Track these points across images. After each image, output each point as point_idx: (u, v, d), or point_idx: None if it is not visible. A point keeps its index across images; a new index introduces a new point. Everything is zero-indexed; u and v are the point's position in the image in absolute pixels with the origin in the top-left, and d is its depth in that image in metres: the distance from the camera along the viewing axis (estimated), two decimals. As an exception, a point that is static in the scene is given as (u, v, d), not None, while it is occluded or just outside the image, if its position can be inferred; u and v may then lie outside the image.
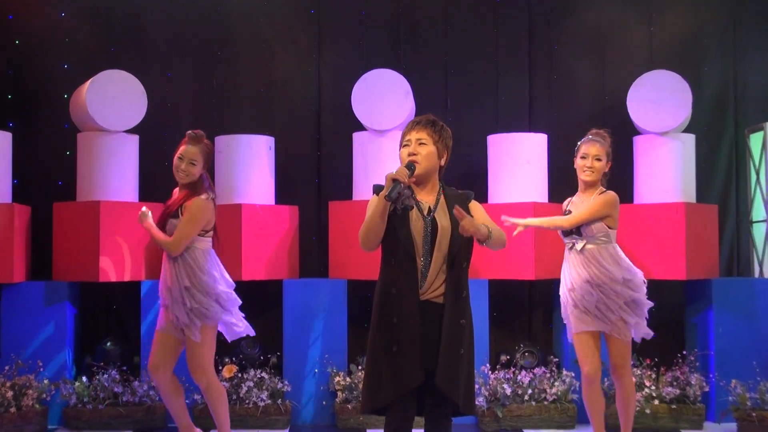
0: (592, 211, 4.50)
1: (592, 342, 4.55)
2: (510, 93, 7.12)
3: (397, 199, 3.25)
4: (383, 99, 6.52)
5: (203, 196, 4.78)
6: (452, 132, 7.59)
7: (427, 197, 3.49)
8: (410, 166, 3.36)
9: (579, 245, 4.55)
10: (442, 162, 3.50)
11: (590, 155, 4.62)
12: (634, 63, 6.95)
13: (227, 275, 5.02)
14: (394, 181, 3.29)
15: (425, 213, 3.41)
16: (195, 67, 7.18)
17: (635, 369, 6.18)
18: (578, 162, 4.65)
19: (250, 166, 6.56)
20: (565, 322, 4.80)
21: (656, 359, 6.30)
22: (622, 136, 6.78)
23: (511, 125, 6.98)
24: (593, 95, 7.02)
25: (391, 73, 6.59)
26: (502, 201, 6.41)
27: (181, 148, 4.70)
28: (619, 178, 6.80)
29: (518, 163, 6.39)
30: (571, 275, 4.58)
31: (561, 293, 4.70)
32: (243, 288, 6.87)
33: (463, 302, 3.42)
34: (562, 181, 6.29)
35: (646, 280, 4.63)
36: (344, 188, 6.92)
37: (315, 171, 7.20)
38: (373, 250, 3.42)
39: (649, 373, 6.19)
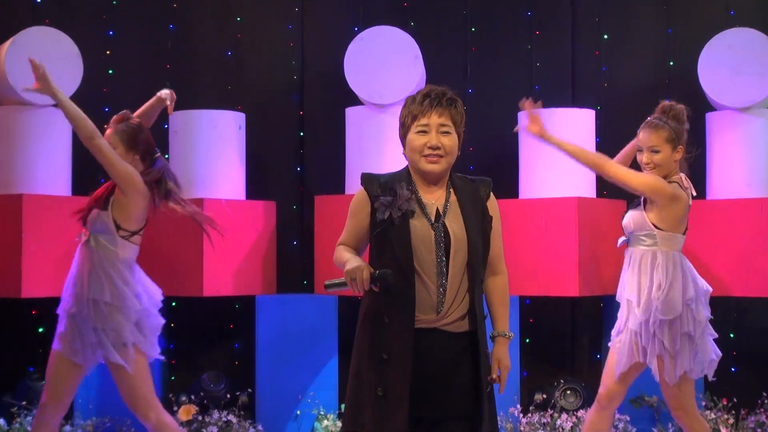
0: (635, 178, 4.59)
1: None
2: (548, 57, 7.14)
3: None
4: (385, 65, 6.54)
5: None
6: (474, 108, 7.58)
7: (433, 195, 3.46)
8: (385, 277, 3.26)
9: (620, 240, 4.69)
10: (459, 149, 3.48)
11: (645, 148, 4.67)
12: (707, 18, 6.97)
13: (152, 286, 5.05)
14: (345, 284, 3.26)
15: (432, 218, 3.39)
16: (144, 24, 7.21)
17: (708, 412, 6.21)
18: (638, 156, 4.73)
19: (215, 150, 6.61)
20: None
21: (735, 399, 6.32)
22: (692, 112, 6.83)
23: (549, 99, 6.93)
24: (654, 61, 7.05)
25: (395, 31, 6.61)
26: (536, 196, 6.45)
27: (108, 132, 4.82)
28: (689, 164, 6.85)
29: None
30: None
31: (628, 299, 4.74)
32: (204, 306, 6.98)
33: (484, 327, 3.45)
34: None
35: (705, 299, 4.72)
36: (334, 179, 6.95)
37: (297, 157, 7.23)
38: None
39: (725, 417, 6.21)
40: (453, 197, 3.45)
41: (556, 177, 6.41)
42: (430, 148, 3.39)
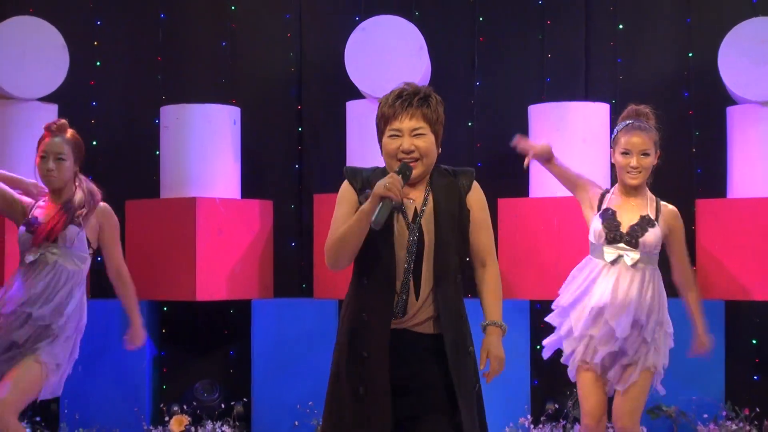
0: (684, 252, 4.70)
1: (600, 381, 4.65)
2: (560, 48, 7.11)
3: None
4: (388, 56, 6.53)
5: (101, 204, 4.84)
6: (482, 101, 7.56)
7: (414, 193, 3.49)
8: (404, 170, 3.36)
9: (630, 259, 4.58)
10: (439, 148, 3.50)
11: (634, 150, 4.59)
12: (728, 8, 6.92)
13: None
14: (384, 199, 3.29)
15: (410, 218, 3.43)
16: (133, 13, 7.19)
17: (729, 423, 6.20)
18: (619, 159, 4.64)
19: (208, 146, 6.62)
20: (560, 345, 4.84)
21: (758, 409, 6.31)
22: (712, 106, 6.79)
23: (561, 92, 6.98)
24: (672, 52, 7.01)
25: (399, 20, 6.60)
26: (548, 194, 6.43)
27: (42, 145, 4.77)
28: (709, 161, 6.85)
29: (570, 142, 6.37)
30: (614, 290, 4.60)
31: (569, 306, 4.73)
32: (197, 311, 6.98)
33: (465, 325, 3.49)
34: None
35: None
36: (334, 177, 6.81)
37: (295, 154, 7.22)
38: (341, 269, 3.47)
39: (748, 428, 6.21)
40: (431, 196, 3.49)
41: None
42: (404, 152, 3.43)
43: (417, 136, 3.43)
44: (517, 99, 6.94)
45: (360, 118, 6.59)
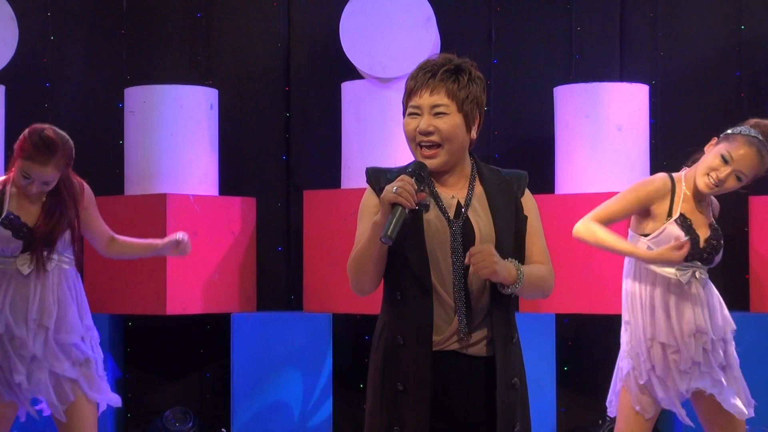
0: None
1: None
2: (591, 20, 7.10)
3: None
4: (389, 30, 6.51)
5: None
6: (501, 83, 7.53)
7: (453, 188, 3.42)
8: (417, 170, 3.27)
9: (702, 279, 4.58)
10: (474, 133, 3.41)
11: (735, 165, 4.47)
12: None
13: None
14: (395, 206, 3.19)
15: (451, 214, 3.37)
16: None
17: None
18: (714, 158, 4.53)
19: (181, 134, 6.62)
20: (625, 385, 4.81)
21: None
22: (766, 83, 6.81)
23: (591, 71, 6.96)
24: (722, 25, 6.99)
25: (403, -12, 6.62)
26: (577, 190, 6.44)
27: (25, 166, 4.73)
28: None
29: (603, 129, 6.41)
30: (680, 321, 4.58)
31: (635, 343, 4.70)
32: (168, 327, 6.96)
33: (515, 351, 3.42)
34: (671, 156, 6.25)
35: None
36: (327, 170, 6.93)
37: (282, 143, 7.21)
38: (369, 293, 3.40)
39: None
40: (479, 189, 3.41)
41: (600, 167, 6.40)
42: (421, 134, 3.35)
43: (438, 115, 3.34)
44: (541, 79, 6.93)
45: (357, 101, 6.58)
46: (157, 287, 6.37)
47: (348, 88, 6.69)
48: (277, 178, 7.19)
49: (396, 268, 3.30)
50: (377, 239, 3.21)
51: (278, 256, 7.10)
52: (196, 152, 6.66)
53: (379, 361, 3.39)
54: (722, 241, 4.61)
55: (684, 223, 4.55)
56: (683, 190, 4.60)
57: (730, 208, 6.32)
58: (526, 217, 3.43)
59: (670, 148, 6.59)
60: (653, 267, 4.60)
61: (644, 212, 4.64)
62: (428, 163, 3.35)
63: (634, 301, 4.68)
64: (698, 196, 4.59)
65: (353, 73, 6.68)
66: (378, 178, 3.41)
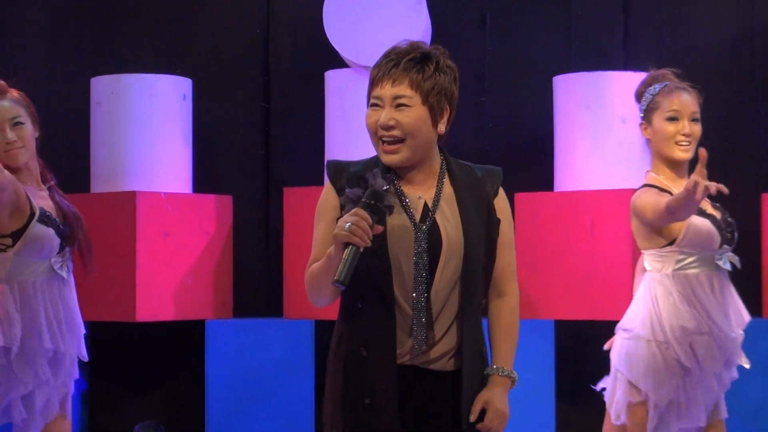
0: None
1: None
2: (592, 4, 7.11)
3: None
4: (376, 14, 6.50)
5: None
6: (495, 72, 7.50)
7: (420, 186, 3.40)
8: (373, 202, 3.16)
9: (727, 260, 4.62)
10: (442, 127, 3.39)
11: (685, 113, 4.64)
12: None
13: None
14: (348, 246, 3.11)
15: (417, 217, 3.35)
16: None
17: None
18: (662, 127, 4.61)
19: (151, 127, 6.61)
20: (630, 377, 4.80)
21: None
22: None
23: (594, 59, 6.96)
24: (732, 9, 6.99)
25: (391, -31, 6.61)
26: (576, 188, 6.43)
27: None
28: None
29: (605, 122, 6.38)
30: (704, 311, 4.58)
31: (643, 334, 4.69)
32: (138, 335, 6.94)
33: (482, 365, 3.43)
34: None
35: None
36: (309, 165, 6.93)
37: (261, 136, 7.21)
38: (326, 306, 3.41)
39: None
40: (448, 189, 3.40)
41: (602, 162, 6.40)
42: (382, 127, 3.31)
43: (400, 107, 3.31)
44: (539, 68, 6.93)
45: (342, 91, 6.58)
46: (126, 292, 6.35)
47: (332, 78, 6.69)
48: (255, 175, 7.18)
49: (357, 275, 3.24)
50: (330, 274, 3.17)
51: (256, 259, 7.11)
52: (168, 146, 6.66)
53: (340, 371, 3.37)
54: (731, 217, 4.69)
55: (700, 209, 4.58)
56: (664, 182, 4.65)
57: (741, 206, 6.32)
58: (498, 221, 3.43)
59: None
60: (689, 270, 4.60)
61: (653, 228, 4.64)
62: (389, 159, 3.32)
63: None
64: (680, 175, 4.65)
65: (338, 61, 6.68)
66: (339, 174, 3.39)
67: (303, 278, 6.49)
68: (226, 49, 7.24)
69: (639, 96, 4.76)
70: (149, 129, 6.60)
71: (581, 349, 6.84)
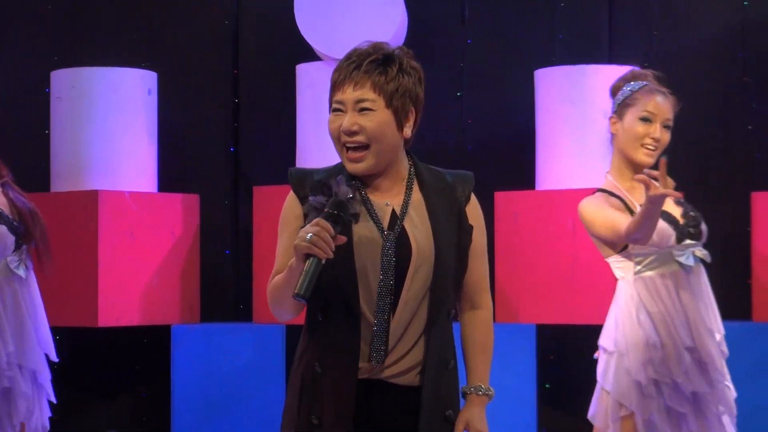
0: None
1: None
2: (576, -4, 7.15)
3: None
4: (351, 6, 6.51)
5: None
6: (475, 65, 7.50)
7: (388, 193, 3.39)
8: (335, 212, 3.16)
9: (690, 256, 4.59)
10: (408, 130, 3.37)
11: (659, 118, 4.59)
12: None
13: None
14: (309, 258, 3.10)
15: (385, 224, 3.33)
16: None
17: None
18: (633, 126, 4.59)
19: (115, 123, 6.59)
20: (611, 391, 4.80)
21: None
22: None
23: (578, 52, 6.96)
24: (723, 3, 7.00)
25: (365, -43, 6.59)
26: (559, 186, 6.45)
27: None
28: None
29: (590, 117, 6.36)
30: (679, 315, 4.58)
31: (613, 348, 4.69)
32: (100, 341, 6.92)
33: (449, 378, 3.42)
34: (667, 147, 6.20)
35: None
36: (280, 163, 6.86)
37: (229, 132, 7.21)
38: (289, 319, 3.38)
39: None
40: (417, 195, 3.38)
41: (587, 160, 6.40)
42: (345, 133, 3.30)
43: (363, 112, 3.29)
44: (520, 61, 6.95)
45: (314, 85, 6.57)
46: (88, 296, 6.34)
47: (304, 72, 6.68)
48: (223, 173, 7.20)
49: (320, 285, 3.21)
50: (291, 286, 3.15)
51: (225, 261, 7.12)
52: (132, 143, 6.64)
53: (297, 386, 3.35)
54: (696, 210, 4.64)
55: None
56: (619, 185, 4.64)
57: (731, 205, 6.35)
58: (470, 228, 3.41)
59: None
60: (647, 273, 4.59)
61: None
62: (355, 167, 3.30)
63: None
64: (633, 177, 4.60)
65: (310, 55, 6.67)
66: (302, 181, 3.35)
67: None
68: (194, 41, 7.23)
69: (615, 90, 4.74)
70: (112, 125, 6.57)
71: (564, 354, 6.86)
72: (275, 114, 7.07)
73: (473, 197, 3.44)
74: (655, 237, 4.45)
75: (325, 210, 3.14)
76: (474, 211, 3.43)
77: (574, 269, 6.25)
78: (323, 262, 3.10)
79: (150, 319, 6.58)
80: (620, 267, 4.61)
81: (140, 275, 6.54)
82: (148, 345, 6.93)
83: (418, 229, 3.32)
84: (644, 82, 4.65)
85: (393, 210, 3.33)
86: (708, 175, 6.70)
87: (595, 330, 6.57)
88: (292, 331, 6.58)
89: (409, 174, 3.40)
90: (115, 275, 6.41)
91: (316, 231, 3.08)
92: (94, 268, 6.34)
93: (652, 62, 6.89)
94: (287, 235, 3.33)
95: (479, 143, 6.89)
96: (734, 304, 6.22)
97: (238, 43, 7.24)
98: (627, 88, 4.66)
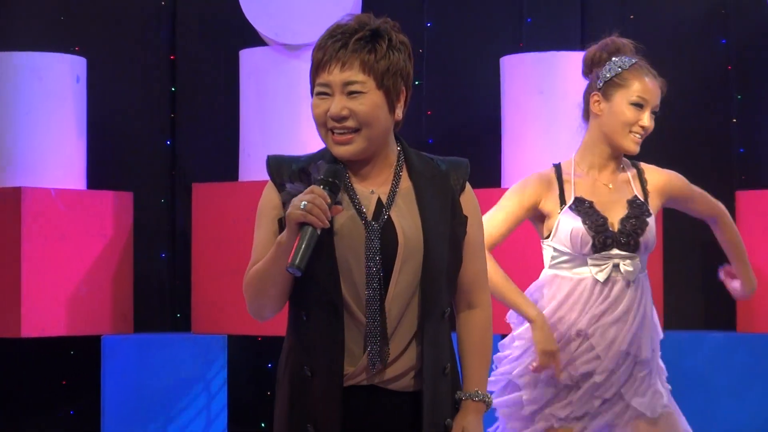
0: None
1: None
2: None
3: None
4: (300, -15, 6.50)
5: None
6: (435, 51, 7.50)
7: (374, 181, 3.39)
8: (332, 177, 3.22)
9: (631, 271, 4.58)
10: (399, 112, 3.38)
11: (650, 104, 4.55)
12: None
13: None
14: (303, 227, 3.16)
15: (369, 215, 3.34)
16: None
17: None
18: (625, 110, 4.56)
19: (39, 113, 6.58)
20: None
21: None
22: (760, 58, 6.83)
23: (546, 37, 6.97)
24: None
25: (316, -67, 6.55)
26: (528, 184, 6.43)
27: None
28: (756, 136, 6.85)
29: (560, 109, 6.38)
30: (596, 315, 4.60)
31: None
32: (23, 353, 6.86)
33: (448, 385, 3.42)
34: (645, 142, 6.19)
35: None
36: (222, 158, 6.92)
37: (166, 125, 7.19)
38: (269, 318, 3.37)
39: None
40: (406, 183, 3.36)
41: (557, 156, 6.30)
42: (333, 119, 3.30)
43: (353, 95, 3.29)
44: (485, 47, 6.96)
45: (259, 72, 6.58)
46: (10, 304, 6.32)
47: (248, 58, 6.68)
48: (159, 168, 7.19)
49: (301, 282, 3.24)
50: (281, 263, 3.16)
51: (161, 265, 7.13)
52: (58, 136, 6.63)
53: (285, 396, 3.35)
54: (648, 218, 4.57)
55: (581, 206, 4.56)
56: (572, 171, 4.62)
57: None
58: (465, 219, 3.38)
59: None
60: (561, 272, 4.60)
61: (538, 216, 4.65)
62: (342, 150, 3.29)
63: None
64: (601, 169, 4.60)
65: (255, 39, 6.67)
66: (281, 169, 3.34)
67: (214, 287, 6.56)
68: (127, 23, 7.21)
69: (596, 60, 4.64)
70: (37, 116, 6.56)
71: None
72: (216, 104, 7.06)
73: (468, 186, 3.41)
74: (568, 239, 4.47)
75: (319, 177, 3.16)
76: (469, 200, 3.41)
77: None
78: (319, 232, 3.11)
79: (78, 329, 6.54)
80: (544, 252, 4.64)
81: (67, 281, 6.51)
82: (76, 358, 6.91)
83: (406, 219, 3.31)
84: (633, 59, 4.56)
85: (379, 199, 3.32)
86: (688, 172, 6.68)
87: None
88: (234, 342, 6.58)
89: (398, 160, 3.39)
90: (39, 281, 6.38)
91: (310, 198, 3.10)
92: (17, 273, 6.33)
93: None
94: (265, 226, 3.33)
95: (439, 137, 6.94)
96: (717, 314, 6.24)
97: (175, 25, 7.22)
98: (615, 65, 4.57)
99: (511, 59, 6.62)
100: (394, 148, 3.39)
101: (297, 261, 3.09)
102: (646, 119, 4.51)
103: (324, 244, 3.20)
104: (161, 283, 7.07)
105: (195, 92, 7.19)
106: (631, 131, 4.53)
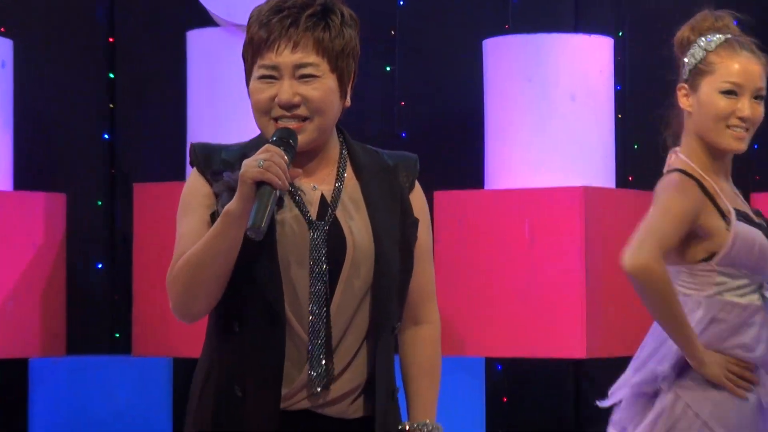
0: None
1: None
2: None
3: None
4: (253, -41, 6.52)
5: None
6: (407, 36, 7.52)
7: (316, 176, 3.40)
8: (285, 137, 3.22)
9: None
10: (348, 99, 3.39)
11: (747, 89, 4.41)
12: None
13: None
14: (261, 186, 3.14)
15: (314, 214, 3.35)
16: None
17: None
18: (714, 102, 4.39)
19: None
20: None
21: None
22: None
23: (535, 18, 6.99)
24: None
25: None
26: (513, 185, 6.50)
27: None
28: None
29: (550, 98, 6.42)
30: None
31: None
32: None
33: (396, 407, 3.42)
34: (644, 134, 6.20)
35: None
36: (167, 154, 6.92)
37: (104, 116, 7.19)
38: (199, 317, 3.32)
39: None
40: (352, 180, 3.36)
41: (546, 152, 6.47)
42: (282, 106, 3.28)
43: (305, 79, 3.26)
44: (467, 29, 6.95)
45: (207, 56, 6.70)
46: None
47: (195, 39, 6.73)
48: (96, 166, 7.20)
49: (234, 286, 3.21)
50: (230, 235, 3.13)
51: (98, 277, 7.16)
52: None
53: (208, 415, 3.27)
54: None
55: (746, 219, 4.41)
56: (709, 178, 4.29)
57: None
58: (417, 221, 3.37)
59: (641, 124, 6.59)
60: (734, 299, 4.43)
61: (689, 234, 4.44)
62: None
63: None
64: (723, 176, 4.36)
65: (204, 18, 6.70)
66: (209, 158, 3.28)
67: (158, 303, 6.53)
68: (60, 2, 7.22)
69: (683, 44, 4.42)
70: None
71: (518, 395, 6.87)
72: (160, 92, 7.09)
73: (417, 185, 3.38)
74: (752, 257, 4.21)
75: (273, 138, 3.16)
76: (419, 201, 3.38)
77: (532, 288, 6.28)
78: (278, 193, 3.10)
79: (3, 351, 6.51)
80: (691, 281, 4.39)
81: (-10, 295, 6.46)
82: (1, 382, 6.84)
83: (354, 220, 3.30)
84: (723, 36, 4.39)
85: (322, 196, 3.30)
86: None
87: (557, 364, 6.60)
88: (180, 365, 6.59)
89: (341, 154, 3.39)
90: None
91: (267, 156, 3.08)
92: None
93: (627, 30, 6.97)
94: (195, 214, 3.28)
95: (414, 130, 6.99)
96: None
97: (114, 3, 7.24)
98: (700, 46, 4.27)
99: (495, 42, 6.66)
100: (336, 142, 3.39)
101: (257, 221, 3.05)
102: (746, 107, 4.19)
103: (264, 243, 3.17)
104: (98, 298, 7.11)
105: (136, 79, 7.22)
106: (728, 126, 4.30)
